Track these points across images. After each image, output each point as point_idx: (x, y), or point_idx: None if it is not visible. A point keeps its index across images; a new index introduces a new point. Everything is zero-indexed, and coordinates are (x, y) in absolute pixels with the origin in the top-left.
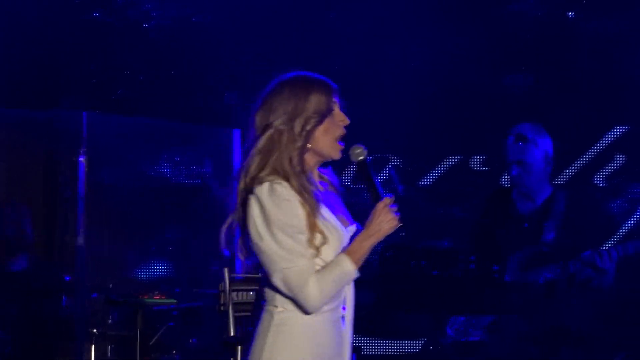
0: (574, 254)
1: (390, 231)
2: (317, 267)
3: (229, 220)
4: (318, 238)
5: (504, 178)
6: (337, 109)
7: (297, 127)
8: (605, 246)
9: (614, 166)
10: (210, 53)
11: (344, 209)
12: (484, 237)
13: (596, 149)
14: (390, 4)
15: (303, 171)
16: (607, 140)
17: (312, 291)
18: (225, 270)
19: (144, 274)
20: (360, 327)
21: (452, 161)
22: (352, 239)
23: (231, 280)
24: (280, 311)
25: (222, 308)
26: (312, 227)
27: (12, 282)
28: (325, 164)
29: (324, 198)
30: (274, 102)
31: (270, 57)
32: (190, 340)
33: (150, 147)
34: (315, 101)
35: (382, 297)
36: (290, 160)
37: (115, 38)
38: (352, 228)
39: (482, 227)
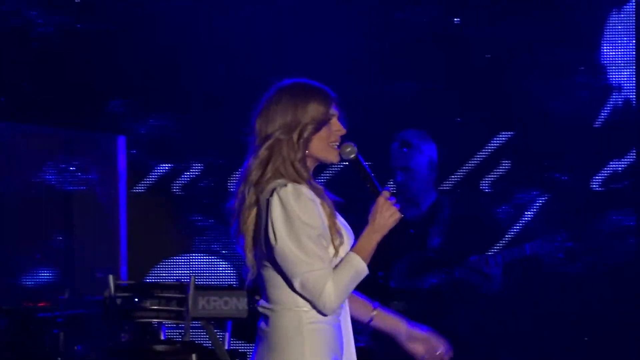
0: (460, 260)
1: (394, 224)
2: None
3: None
4: (337, 239)
5: (390, 184)
6: (334, 119)
7: (295, 137)
8: (491, 252)
9: (499, 172)
10: (94, 60)
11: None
12: None
13: (482, 154)
14: (272, 7)
15: (309, 176)
16: (493, 145)
17: (330, 294)
18: (111, 278)
19: (28, 282)
20: (244, 333)
21: (338, 167)
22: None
23: (116, 287)
24: (306, 311)
25: (107, 315)
26: (332, 228)
27: None
28: (322, 168)
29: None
30: (272, 110)
31: (155, 61)
32: (75, 348)
33: (34, 155)
34: (313, 111)
35: None
36: (294, 167)
37: None
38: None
39: None
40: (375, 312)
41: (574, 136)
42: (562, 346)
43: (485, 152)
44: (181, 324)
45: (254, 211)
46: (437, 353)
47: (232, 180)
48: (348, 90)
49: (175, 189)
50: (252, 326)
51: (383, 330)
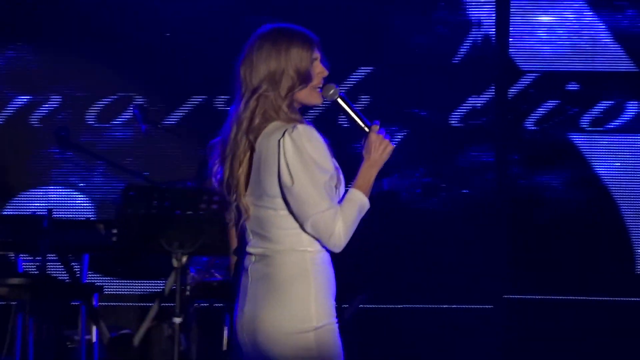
0: None
1: (388, 156)
2: None
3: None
4: (338, 178)
5: None
6: (316, 62)
7: (283, 89)
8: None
9: (358, 107)
10: None
11: None
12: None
13: (341, 89)
14: None
15: (301, 118)
16: (352, 81)
17: (340, 233)
18: None
19: None
20: (102, 267)
21: (196, 101)
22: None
23: None
24: (310, 251)
25: None
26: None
27: None
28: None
29: None
30: (256, 59)
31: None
32: None
33: None
34: (295, 56)
35: (123, 236)
36: (284, 112)
37: None
38: None
39: None
40: None
41: (433, 72)
42: (413, 283)
43: (344, 87)
44: (38, 257)
45: (247, 155)
46: None
47: (90, 112)
48: (204, 27)
49: (34, 121)
50: (108, 259)
51: None
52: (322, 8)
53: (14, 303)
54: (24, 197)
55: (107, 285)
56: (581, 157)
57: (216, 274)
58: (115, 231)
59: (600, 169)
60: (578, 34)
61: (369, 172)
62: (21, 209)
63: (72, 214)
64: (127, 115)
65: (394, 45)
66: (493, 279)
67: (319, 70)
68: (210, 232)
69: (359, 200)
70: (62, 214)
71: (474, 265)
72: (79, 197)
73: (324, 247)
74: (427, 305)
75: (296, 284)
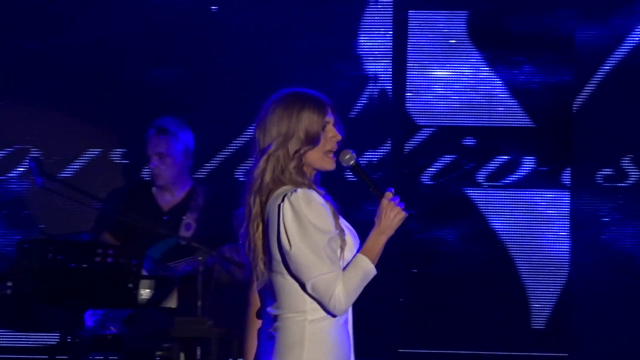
0: (212, 248)
1: (399, 224)
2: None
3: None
4: (342, 240)
5: (145, 171)
6: (329, 126)
7: (292, 150)
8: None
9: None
10: None
11: None
12: (125, 230)
13: (238, 142)
14: None
15: (309, 182)
16: (248, 135)
17: (341, 297)
18: None
19: None
20: None
21: (92, 154)
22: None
23: None
24: (311, 320)
25: None
26: (338, 230)
27: None
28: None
29: None
30: (269, 121)
31: None
32: None
33: None
34: (306, 119)
35: (19, 289)
36: (290, 174)
37: None
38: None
39: (122, 220)
40: None
41: None
42: None
43: (240, 140)
44: None
45: (261, 218)
46: None
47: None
48: (106, 76)
49: None
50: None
51: None
52: (224, 61)
53: None
54: None
55: (2, 338)
56: (477, 212)
57: (111, 327)
58: (10, 284)
59: (497, 224)
60: (474, 88)
61: (378, 238)
62: None
63: None
64: (23, 167)
65: None
66: (389, 332)
67: (332, 135)
68: (105, 285)
69: (364, 266)
70: None
71: (370, 318)
72: None
73: (329, 313)
74: None
75: (290, 352)
